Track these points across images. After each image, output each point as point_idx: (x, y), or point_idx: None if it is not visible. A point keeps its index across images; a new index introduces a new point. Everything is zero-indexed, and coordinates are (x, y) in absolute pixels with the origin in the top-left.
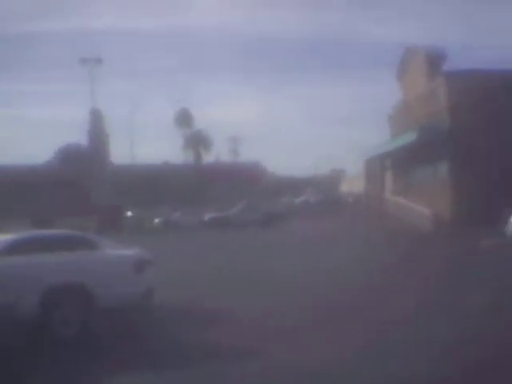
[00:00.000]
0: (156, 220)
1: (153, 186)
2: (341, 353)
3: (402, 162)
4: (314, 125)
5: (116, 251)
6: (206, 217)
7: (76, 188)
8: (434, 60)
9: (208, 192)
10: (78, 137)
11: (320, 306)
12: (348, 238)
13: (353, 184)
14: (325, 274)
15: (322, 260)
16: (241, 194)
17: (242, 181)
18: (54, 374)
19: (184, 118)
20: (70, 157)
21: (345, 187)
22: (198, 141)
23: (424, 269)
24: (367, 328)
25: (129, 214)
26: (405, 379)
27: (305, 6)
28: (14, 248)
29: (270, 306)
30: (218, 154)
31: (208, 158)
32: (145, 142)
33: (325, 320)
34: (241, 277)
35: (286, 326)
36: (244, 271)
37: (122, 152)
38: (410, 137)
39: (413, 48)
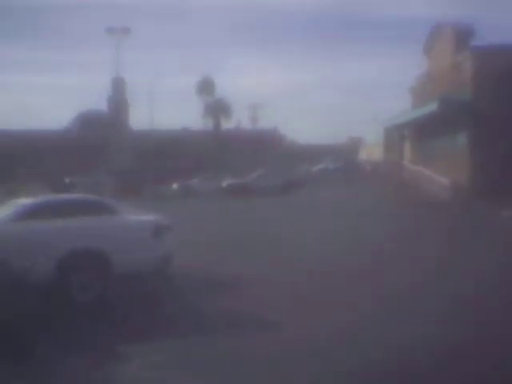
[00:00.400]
0: (174, 186)
1: (172, 151)
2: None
3: (422, 132)
4: (335, 94)
5: (134, 216)
6: (225, 183)
7: (95, 153)
8: (462, 36)
9: (227, 158)
10: (100, 104)
11: (330, 271)
12: (365, 206)
13: (371, 152)
14: (339, 241)
15: (338, 228)
16: (259, 161)
17: (260, 147)
18: (69, 340)
19: (206, 86)
20: (89, 122)
21: (363, 155)
22: (218, 108)
23: (442, 237)
24: (375, 293)
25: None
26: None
27: None
28: (31, 213)
29: (286, 272)
30: (238, 121)
31: (228, 125)
32: (165, 109)
33: (333, 286)
34: (257, 243)
35: (304, 292)
36: (261, 238)
37: (143, 119)
38: (430, 107)
39: (441, 24)
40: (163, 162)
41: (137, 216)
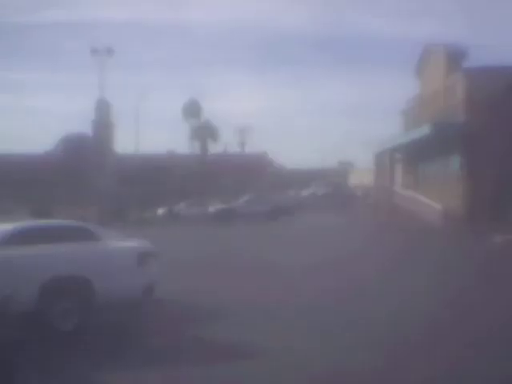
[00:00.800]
0: (159, 211)
1: (157, 176)
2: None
3: (414, 156)
4: (324, 118)
5: (118, 243)
6: (212, 209)
7: (78, 178)
8: (454, 57)
9: (214, 183)
10: (84, 127)
11: (321, 300)
12: (354, 232)
13: (362, 177)
14: (327, 268)
15: (326, 254)
16: (248, 186)
17: (248, 172)
18: (49, 368)
19: (192, 109)
20: (72, 146)
21: (353, 180)
22: (205, 132)
23: (432, 264)
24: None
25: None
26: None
27: (318, 0)
28: (13, 238)
29: (270, 301)
30: (226, 145)
31: (215, 149)
32: (151, 132)
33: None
34: (243, 269)
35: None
36: (247, 264)
37: (128, 142)
38: (423, 130)
39: (433, 45)
40: (148, 186)
41: (121, 242)
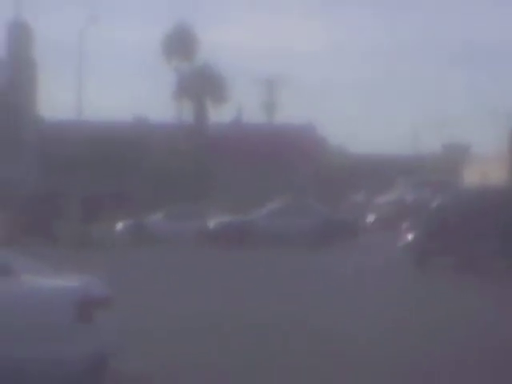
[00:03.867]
0: (119, 226)
1: (116, 162)
2: None
3: None
4: (412, 66)
5: (44, 281)
6: (212, 223)
7: None
8: None
9: (217, 177)
10: None
11: None
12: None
13: (485, 170)
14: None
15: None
16: (277, 184)
17: (280, 158)
18: None
19: (180, 43)
20: None
21: (472, 176)
22: (202, 83)
23: None
24: None
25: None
26: None
27: None
28: None
29: None
30: (239, 108)
31: (220, 115)
32: (105, 85)
33: None
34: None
35: None
36: (257, 329)
37: (64, 100)
38: None
39: None
40: (99, 181)
41: (50, 280)
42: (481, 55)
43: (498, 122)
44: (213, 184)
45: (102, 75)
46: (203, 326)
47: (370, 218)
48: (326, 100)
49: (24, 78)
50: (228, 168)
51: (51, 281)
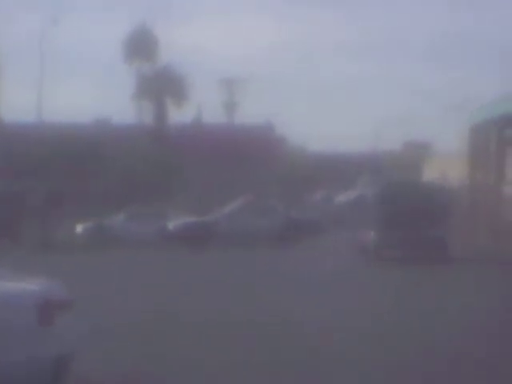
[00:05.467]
0: (79, 228)
1: (76, 164)
2: None
3: None
4: (371, 62)
5: (4, 283)
6: (172, 224)
7: None
8: None
9: (177, 177)
10: None
11: None
12: (434, 283)
13: (445, 169)
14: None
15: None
16: (238, 184)
17: (241, 158)
18: None
19: (142, 44)
20: None
21: (430, 174)
22: (163, 84)
23: None
24: None
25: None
26: None
27: None
28: None
29: None
30: (200, 108)
31: (181, 115)
32: (66, 85)
33: None
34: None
35: None
36: (219, 333)
37: (23, 101)
38: None
39: None
40: (59, 182)
41: (10, 283)
42: (443, 52)
43: (459, 120)
44: (174, 184)
45: (62, 77)
46: (163, 326)
47: (331, 217)
48: (287, 99)
49: None
50: (189, 168)
51: (11, 284)
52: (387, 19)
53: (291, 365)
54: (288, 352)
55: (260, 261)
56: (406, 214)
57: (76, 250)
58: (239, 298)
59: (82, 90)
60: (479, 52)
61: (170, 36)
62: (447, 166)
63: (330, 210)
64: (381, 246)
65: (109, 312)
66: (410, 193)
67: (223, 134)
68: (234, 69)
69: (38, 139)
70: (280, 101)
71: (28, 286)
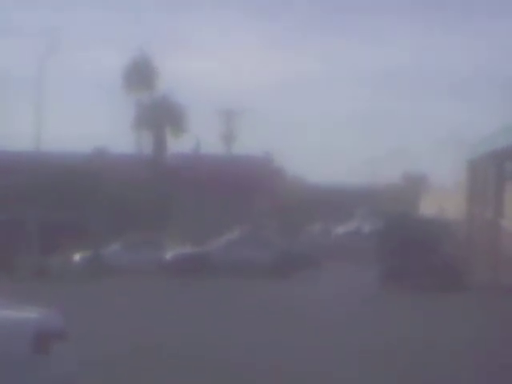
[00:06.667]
0: (77, 257)
1: (73, 193)
2: None
3: None
4: (370, 95)
5: (0, 312)
6: (170, 254)
7: None
8: None
9: (175, 208)
10: None
11: None
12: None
13: (442, 202)
14: None
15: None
16: (235, 215)
17: (238, 189)
18: None
19: (140, 74)
20: None
21: (428, 207)
22: (162, 114)
23: None
24: None
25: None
26: None
27: None
28: None
29: None
30: (198, 139)
31: (179, 146)
32: (65, 116)
33: None
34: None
35: None
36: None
37: (21, 131)
38: None
39: None
40: (57, 212)
41: (6, 312)
42: (440, 85)
43: (457, 154)
44: (171, 215)
45: (61, 106)
46: (159, 357)
47: (328, 249)
48: (285, 132)
49: None
50: (186, 199)
51: (7, 312)
52: (379, 53)
53: None
54: None
55: (252, 293)
56: (413, 245)
57: (73, 279)
58: (226, 333)
59: (80, 119)
60: (476, 85)
61: (170, 66)
62: (444, 199)
63: (328, 242)
64: (390, 275)
65: (97, 343)
66: (415, 226)
67: (221, 164)
68: (233, 100)
69: (35, 168)
70: (279, 133)
71: (24, 314)
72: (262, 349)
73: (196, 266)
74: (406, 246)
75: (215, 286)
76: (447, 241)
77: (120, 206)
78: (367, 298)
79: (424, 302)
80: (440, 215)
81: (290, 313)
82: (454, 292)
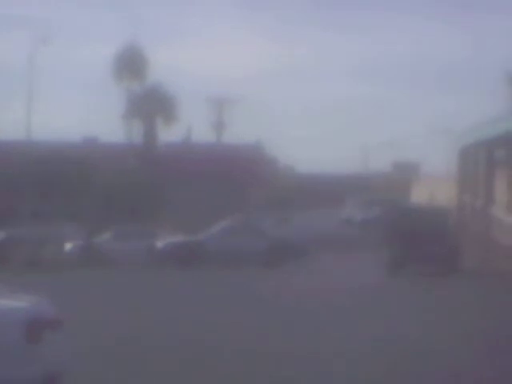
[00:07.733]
0: (68, 246)
1: (66, 183)
2: None
3: None
4: (360, 85)
5: None
6: (161, 243)
7: None
8: None
9: (165, 196)
10: None
11: None
12: (427, 307)
13: (434, 190)
14: None
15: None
16: (227, 204)
17: (230, 178)
18: None
19: (131, 63)
20: None
21: (419, 195)
22: (153, 103)
23: None
24: None
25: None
26: None
27: None
28: None
29: None
30: (189, 128)
31: (170, 134)
32: (55, 105)
33: None
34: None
35: None
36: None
37: (11, 121)
38: None
39: None
40: (47, 201)
41: None
42: (431, 73)
43: (449, 142)
44: (162, 204)
45: (51, 95)
46: (148, 348)
47: (320, 237)
48: (276, 120)
49: None
50: (178, 188)
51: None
52: (377, 43)
53: None
54: None
55: (244, 282)
56: (418, 233)
57: (64, 268)
58: (215, 323)
59: (70, 108)
60: (466, 75)
61: (160, 55)
62: (435, 187)
63: (320, 231)
64: (397, 262)
65: (87, 333)
66: (419, 215)
67: (212, 153)
68: (224, 89)
69: (26, 158)
70: (270, 122)
71: (16, 303)
72: (261, 337)
73: (187, 255)
74: (413, 234)
75: (206, 275)
76: (449, 228)
77: (111, 195)
78: (372, 286)
79: (430, 287)
80: (431, 203)
81: (287, 302)
82: (452, 277)
